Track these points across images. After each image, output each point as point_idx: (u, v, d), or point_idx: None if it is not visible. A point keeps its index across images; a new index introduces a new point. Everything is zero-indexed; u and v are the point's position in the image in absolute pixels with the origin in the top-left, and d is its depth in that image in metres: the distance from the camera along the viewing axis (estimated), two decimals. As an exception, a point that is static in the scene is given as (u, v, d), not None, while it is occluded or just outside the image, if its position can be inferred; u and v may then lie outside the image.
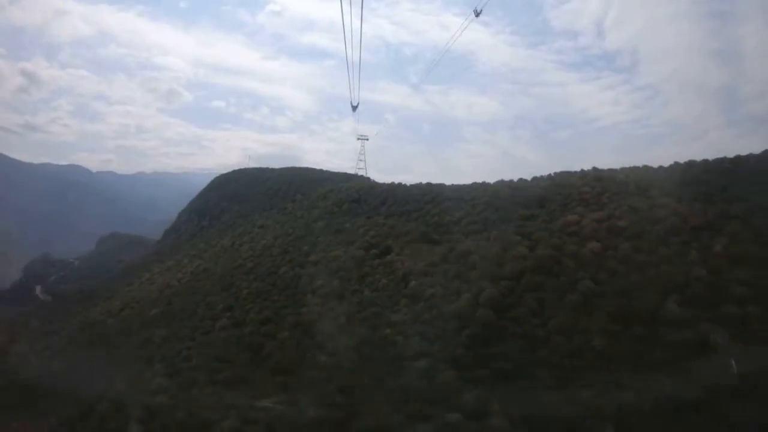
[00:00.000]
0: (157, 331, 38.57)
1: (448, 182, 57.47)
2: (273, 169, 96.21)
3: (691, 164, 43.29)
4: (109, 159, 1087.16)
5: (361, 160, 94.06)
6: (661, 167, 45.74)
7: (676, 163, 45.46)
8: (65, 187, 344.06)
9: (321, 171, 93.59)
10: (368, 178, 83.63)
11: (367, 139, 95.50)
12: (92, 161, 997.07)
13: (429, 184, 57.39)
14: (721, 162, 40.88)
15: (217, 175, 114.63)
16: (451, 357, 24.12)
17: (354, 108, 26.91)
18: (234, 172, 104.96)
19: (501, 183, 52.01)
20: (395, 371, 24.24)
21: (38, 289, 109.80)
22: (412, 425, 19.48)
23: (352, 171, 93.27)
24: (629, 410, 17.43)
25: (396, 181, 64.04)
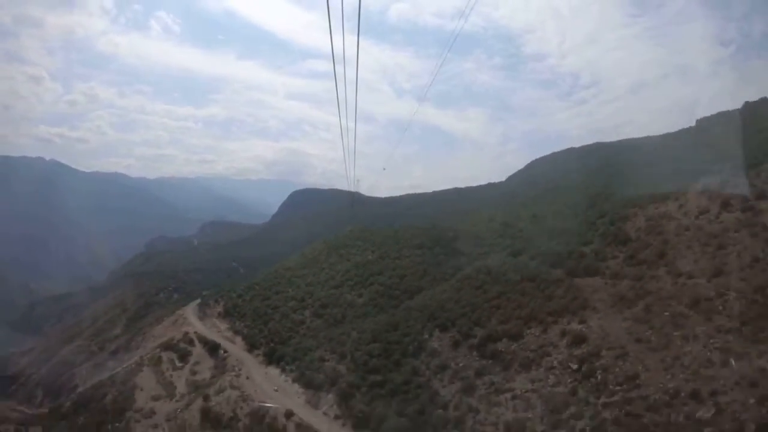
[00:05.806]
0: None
1: (443, 187, 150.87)
2: (323, 189, 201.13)
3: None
4: (129, 164, 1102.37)
5: (357, 183, 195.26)
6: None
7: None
8: (119, 192, 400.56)
9: (339, 190, 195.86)
10: (359, 193, 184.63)
11: (359, 181, 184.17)
12: (114, 166, 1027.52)
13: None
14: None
15: (231, 180, 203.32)
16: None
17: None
18: (306, 189, 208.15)
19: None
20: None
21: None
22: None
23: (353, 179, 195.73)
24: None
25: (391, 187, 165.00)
